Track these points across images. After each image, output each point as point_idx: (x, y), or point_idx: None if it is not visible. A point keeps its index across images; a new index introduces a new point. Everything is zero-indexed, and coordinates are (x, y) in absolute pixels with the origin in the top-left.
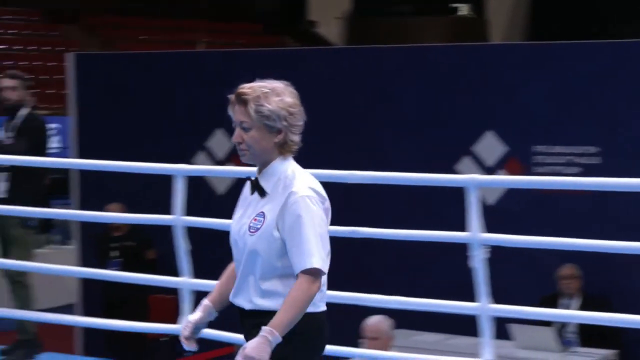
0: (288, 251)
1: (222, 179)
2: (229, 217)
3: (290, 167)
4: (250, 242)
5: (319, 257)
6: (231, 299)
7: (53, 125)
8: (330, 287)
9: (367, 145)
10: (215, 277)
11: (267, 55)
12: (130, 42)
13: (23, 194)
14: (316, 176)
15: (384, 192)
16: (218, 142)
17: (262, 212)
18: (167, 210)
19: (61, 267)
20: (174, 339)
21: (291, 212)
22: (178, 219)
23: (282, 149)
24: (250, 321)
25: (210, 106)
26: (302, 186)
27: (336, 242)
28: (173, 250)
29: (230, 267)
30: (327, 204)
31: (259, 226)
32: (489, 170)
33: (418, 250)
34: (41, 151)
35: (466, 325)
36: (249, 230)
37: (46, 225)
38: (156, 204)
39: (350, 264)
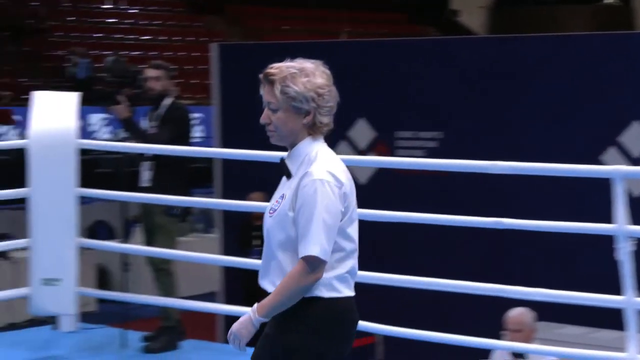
0: (297, 234)
1: (363, 169)
2: (371, 207)
3: (315, 148)
4: (269, 223)
5: (319, 245)
6: (259, 281)
7: (196, 115)
8: (471, 279)
9: (509, 135)
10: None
11: (410, 45)
12: (273, 32)
13: (166, 182)
14: (459, 167)
15: (526, 183)
16: (360, 131)
17: (283, 194)
18: None
19: (204, 255)
20: None
21: (302, 193)
22: None
23: (311, 130)
24: None
25: (352, 96)
26: (319, 168)
27: (478, 233)
28: None
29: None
30: (345, 188)
31: (277, 207)
32: (635, 162)
33: (561, 242)
34: (184, 140)
35: (610, 319)
36: (270, 211)
37: (186, 214)
38: None
39: (491, 255)
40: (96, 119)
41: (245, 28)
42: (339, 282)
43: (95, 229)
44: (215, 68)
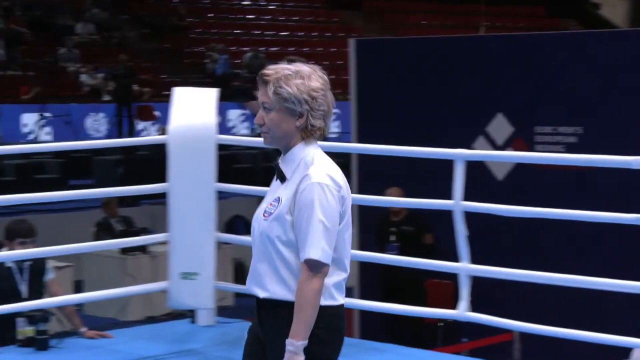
0: (296, 238)
1: (501, 165)
2: (508, 203)
3: (311, 152)
4: (263, 226)
5: (320, 249)
6: (247, 285)
7: (333, 111)
8: (612, 276)
9: None
10: (492, 263)
11: (549, 39)
12: (411, 27)
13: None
14: (600, 162)
15: None
16: (498, 126)
17: (278, 197)
18: (445, 195)
19: None
20: (452, 324)
21: (302, 197)
22: (458, 204)
23: (304, 133)
24: (265, 311)
25: (491, 90)
26: (318, 172)
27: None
28: (450, 236)
29: None
30: (343, 191)
31: (272, 211)
32: None
33: None
34: None
35: None
36: (263, 214)
37: None
38: (434, 188)
39: (633, 252)
40: (234, 114)
41: (382, 23)
42: (336, 290)
43: (233, 224)
44: (353, 63)
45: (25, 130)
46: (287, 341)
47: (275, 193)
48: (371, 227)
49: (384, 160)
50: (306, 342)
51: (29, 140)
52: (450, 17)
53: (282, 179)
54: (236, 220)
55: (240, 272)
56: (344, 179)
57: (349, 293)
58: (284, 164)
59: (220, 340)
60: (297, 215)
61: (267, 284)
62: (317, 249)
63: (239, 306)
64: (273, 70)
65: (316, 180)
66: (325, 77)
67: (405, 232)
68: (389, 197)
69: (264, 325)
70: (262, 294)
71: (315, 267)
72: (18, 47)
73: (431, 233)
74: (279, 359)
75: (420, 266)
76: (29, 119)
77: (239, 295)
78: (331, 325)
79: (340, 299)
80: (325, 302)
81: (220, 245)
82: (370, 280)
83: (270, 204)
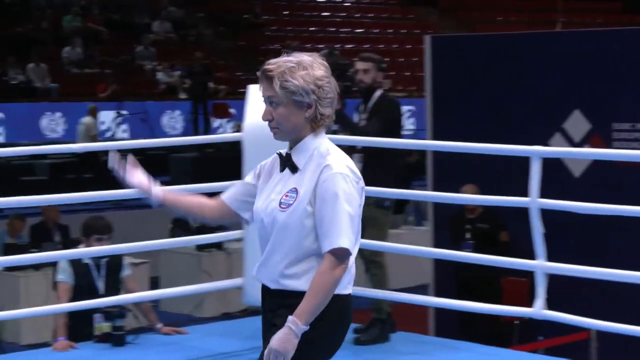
0: (317, 229)
1: (578, 162)
2: (586, 200)
3: (324, 143)
4: (281, 218)
5: (348, 238)
6: (255, 275)
7: (408, 107)
8: None
9: None
10: (568, 260)
11: (626, 34)
12: (487, 23)
13: (377, 175)
14: None
15: None
16: (575, 123)
17: (294, 188)
18: (521, 192)
19: (415, 247)
20: (528, 322)
21: (324, 187)
22: (534, 201)
23: (314, 123)
24: (275, 301)
25: (568, 86)
26: (337, 163)
27: None
28: (526, 233)
29: (213, 202)
30: (362, 183)
31: (291, 202)
32: None
33: None
34: (395, 133)
35: None
36: (280, 206)
37: (400, 206)
38: (510, 185)
39: None
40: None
41: (458, 19)
42: (348, 279)
43: None
44: (428, 60)
45: (103, 127)
46: (291, 318)
47: (287, 184)
48: (446, 225)
49: (459, 157)
50: (307, 328)
51: (106, 137)
52: (527, 13)
53: (294, 169)
54: None
55: None
56: (358, 170)
57: (424, 291)
58: (296, 155)
59: None
60: (320, 205)
61: (279, 276)
62: (346, 239)
63: None
64: (275, 64)
65: (337, 170)
66: (326, 63)
67: (481, 229)
68: (464, 195)
69: (272, 314)
70: (273, 285)
71: (343, 257)
72: (95, 46)
73: (506, 231)
74: (305, 343)
75: (496, 264)
76: (106, 117)
77: None
78: (341, 314)
79: (350, 288)
80: (338, 291)
81: None
82: (445, 278)
83: (286, 195)
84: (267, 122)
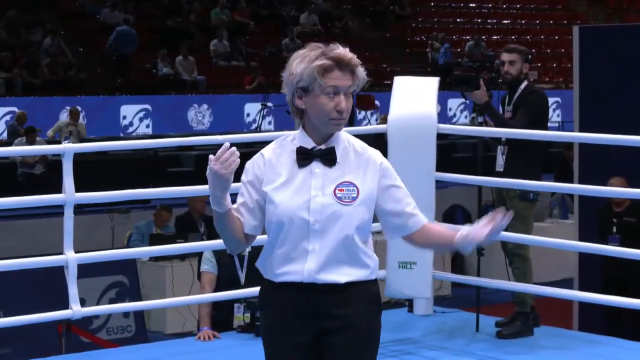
0: (393, 214)
1: None
2: None
3: (345, 134)
4: (345, 212)
5: None
6: (316, 276)
7: (554, 99)
8: None
9: None
10: None
11: None
12: (637, 12)
13: (520, 167)
14: None
15: None
16: None
17: (348, 182)
18: None
19: (560, 241)
20: None
21: (388, 172)
22: None
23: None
24: (342, 295)
25: None
26: (375, 151)
27: None
28: None
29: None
30: None
31: (354, 195)
32: None
33: None
34: (540, 125)
35: None
36: (341, 200)
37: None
38: None
39: None
40: (454, 103)
41: (607, 9)
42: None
43: (451, 213)
44: (576, 51)
45: (249, 119)
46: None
47: (329, 178)
48: (591, 218)
49: (607, 149)
50: None
51: (251, 129)
52: None
53: (333, 162)
54: (455, 210)
55: (457, 262)
56: None
57: (568, 285)
58: (336, 147)
59: (437, 329)
60: (393, 191)
61: (348, 269)
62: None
63: (456, 296)
64: (349, 54)
65: (382, 158)
66: None
67: (628, 223)
68: (611, 187)
69: (342, 310)
70: (343, 279)
71: None
72: (242, 38)
73: None
74: (366, 337)
75: None
76: (251, 109)
77: (455, 285)
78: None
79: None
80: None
81: None
82: (591, 272)
83: (340, 190)
84: (339, 114)
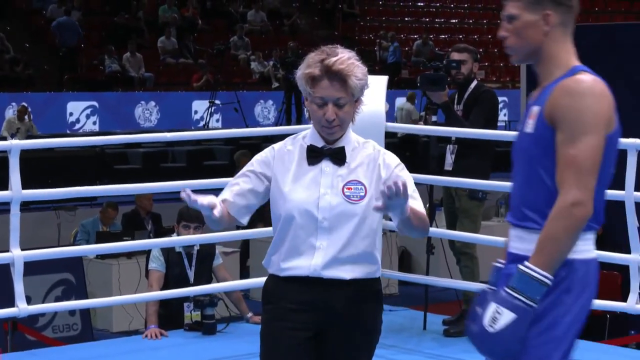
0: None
1: None
2: None
3: (354, 135)
4: (354, 210)
5: None
6: (322, 272)
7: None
8: None
9: None
10: None
11: None
12: (586, 13)
13: (470, 166)
14: None
15: None
16: None
17: (356, 180)
18: (617, 186)
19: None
20: (619, 316)
21: (399, 166)
22: (629, 194)
23: (353, 119)
24: (347, 292)
25: None
26: (386, 152)
27: None
28: (621, 227)
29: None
30: None
31: (362, 193)
32: None
33: None
34: (491, 124)
35: None
36: (349, 199)
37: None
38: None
39: None
40: (401, 102)
41: None
42: None
43: None
44: None
45: (196, 117)
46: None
47: (337, 176)
48: None
49: None
50: None
51: (199, 127)
52: (626, 3)
53: (342, 161)
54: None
55: (405, 261)
56: None
57: None
58: (345, 147)
59: (385, 327)
60: (397, 179)
61: (354, 265)
62: None
63: (403, 294)
64: (342, 63)
65: (395, 159)
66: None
67: None
68: None
69: (346, 306)
70: (349, 275)
71: None
72: (190, 35)
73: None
74: (367, 334)
75: None
76: (199, 106)
77: (402, 284)
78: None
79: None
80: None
81: (386, 233)
82: None
83: (349, 188)
84: (328, 123)
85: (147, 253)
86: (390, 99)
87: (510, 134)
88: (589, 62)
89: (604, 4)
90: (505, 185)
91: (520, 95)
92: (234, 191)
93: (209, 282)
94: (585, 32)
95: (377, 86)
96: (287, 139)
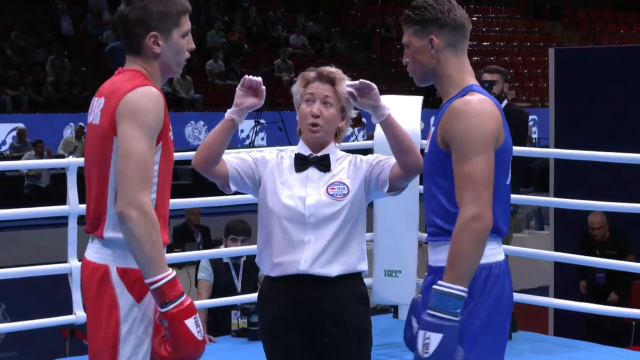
0: (378, 169)
1: None
2: None
3: (339, 150)
4: (339, 207)
5: None
6: (309, 270)
7: (531, 117)
8: None
9: None
10: None
11: None
12: (612, 35)
13: None
14: None
15: None
16: None
17: (339, 181)
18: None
19: (536, 250)
20: None
21: (372, 159)
22: None
23: (337, 136)
24: (333, 291)
25: None
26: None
27: None
28: None
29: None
30: None
31: (345, 192)
32: None
33: None
34: (520, 141)
35: None
36: (334, 197)
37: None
38: (626, 194)
39: None
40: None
41: (583, 32)
42: None
43: None
44: (552, 72)
45: (242, 135)
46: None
47: (322, 181)
48: (567, 229)
49: (580, 164)
50: None
51: (245, 145)
52: None
53: (327, 169)
54: None
55: None
56: None
57: (544, 292)
58: (330, 156)
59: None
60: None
61: (339, 261)
62: None
63: None
64: (334, 70)
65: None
66: None
67: (609, 256)
68: (585, 202)
69: (334, 308)
70: (335, 271)
71: None
72: (236, 59)
73: (632, 254)
74: (357, 335)
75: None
76: (245, 125)
77: None
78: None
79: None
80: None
81: (422, 244)
82: (565, 280)
83: (332, 188)
84: (314, 118)
85: (196, 264)
86: (425, 119)
87: (539, 151)
88: (616, 83)
89: (627, 27)
90: (535, 199)
91: (549, 114)
92: (235, 159)
93: (254, 291)
94: (609, 53)
95: (412, 106)
96: (287, 148)
